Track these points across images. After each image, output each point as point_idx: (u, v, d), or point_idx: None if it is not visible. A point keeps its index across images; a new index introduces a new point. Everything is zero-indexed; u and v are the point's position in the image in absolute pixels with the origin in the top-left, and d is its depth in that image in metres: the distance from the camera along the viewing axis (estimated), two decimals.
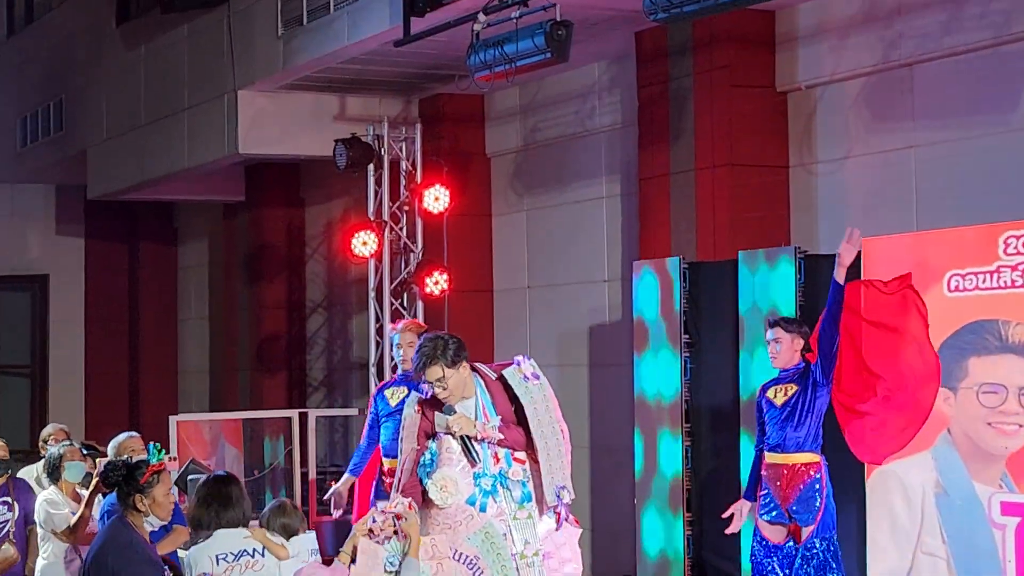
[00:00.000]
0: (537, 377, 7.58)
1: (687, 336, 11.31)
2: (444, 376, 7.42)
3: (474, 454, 7.44)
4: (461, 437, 7.42)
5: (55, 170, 20.27)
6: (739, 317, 10.86)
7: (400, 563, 7.09)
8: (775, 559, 9.43)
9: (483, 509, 7.46)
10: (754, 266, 10.76)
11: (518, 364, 7.60)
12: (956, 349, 9.29)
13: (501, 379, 7.57)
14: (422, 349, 7.47)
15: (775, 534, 9.40)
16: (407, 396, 9.73)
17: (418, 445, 7.58)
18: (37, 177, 20.93)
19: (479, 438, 7.46)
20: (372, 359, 14.31)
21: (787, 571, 9.40)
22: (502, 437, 7.44)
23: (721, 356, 11.12)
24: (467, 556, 7.36)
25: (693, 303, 11.35)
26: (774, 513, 9.33)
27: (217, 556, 7.21)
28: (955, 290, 9.36)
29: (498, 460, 7.50)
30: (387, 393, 10.34)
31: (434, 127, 14.93)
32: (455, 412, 7.45)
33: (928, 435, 9.46)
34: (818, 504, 9.19)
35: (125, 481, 7.02)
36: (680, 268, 11.32)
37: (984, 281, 9.19)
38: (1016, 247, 9.02)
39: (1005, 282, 9.08)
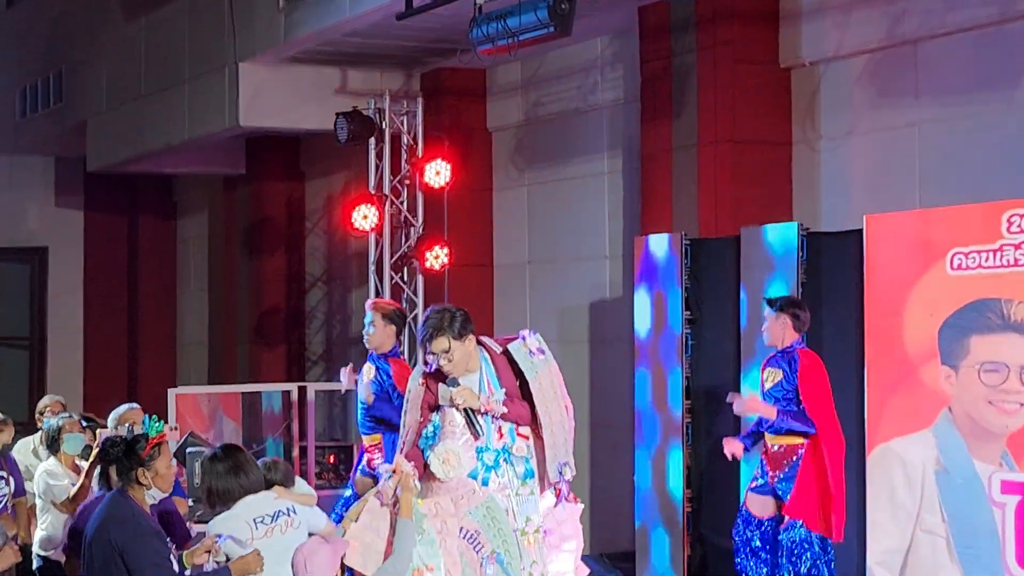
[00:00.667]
0: (543, 352, 7.55)
1: (688, 312, 11.29)
2: (450, 348, 7.38)
3: (477, 427, 7.42)
4: (464, 410, 7.40)
5: (54, 142, 20.21)
6: (740, 294, 10.84)
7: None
8: (757, 533, 9.51)
9: (485, 483, 7.43)
10: (756, 243, 10.73)
11: (523, 339, 7.56)
12: (958, 328, 9.27)
13: (506, 353, 7.54)
14: (428, 321, 7.44)
15: (760, 508, 9.48)
16: (373, 377, 9.80)
17: (421, 417, 7.56)
18: (36, 149, 20.88)
19: (482, 411, 7.44)
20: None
21: (768, 547, 9.45)
22: (505, 411, 7.41)
23: (722, 333, 11.10)
24: (468, 531, 7.35)
25: (694, 279, 11.32)
26: (761, 482, 9.45)
27: (255, 520, 7.10)
28: (958, 268, 9.33)
29: (502, 435, 7.47)
30: (364, 369, 10.33)
31: (436, 101, 14.88)
32: (459, 384, 7.43)
33: (929, 413, 9.46)
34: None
35: (125, 456, 6.97)
36: (682, 244, 11.29)
37: (987, 259, 9.17)
38: (1020, 225, 8.99)
39: (1008, 260, 9.06)
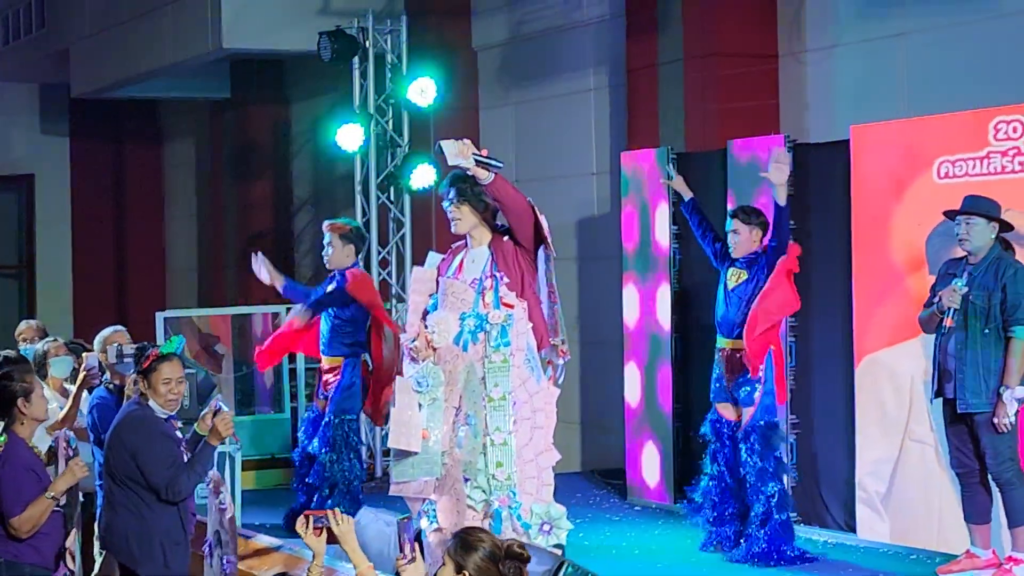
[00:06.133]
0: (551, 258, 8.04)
1: (676, 227, 11.26)
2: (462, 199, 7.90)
3: (494, 165, 7.79)
4: (473, 158, 7.73)
5: (38, 68, 20.11)
6: (727, 207, 10.79)
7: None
8: (723, 432, 9.60)
9: (465, 349, 7.82)
10: (743, 156, 10.69)
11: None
12: (946, 236, 9.22)
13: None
14: (454, 175, 7.91)
15: (726, 412, 9.58)
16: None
17: (427, 300, 8.01)
18: (21, 75, 20.76)
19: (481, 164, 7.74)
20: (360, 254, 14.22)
21: (730, 448, 9.58)
22: (501, 166, 7.77)
23: None
24: None
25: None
26: (722, 393, 9.58)
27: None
28: (945, 176, 9.30)
29: (487, 304, 7.82)
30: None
31: (420, 20, 14.72)
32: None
33: (916, 323, 9.42)
34: (756, 388, 9.34)
35: (136, 361, 7.40)
36: (668, 159, 11.24)
37: (974, 167, 9.14)
38: (1007, 132, 8.95)
39: (995, 168, 9.03)
